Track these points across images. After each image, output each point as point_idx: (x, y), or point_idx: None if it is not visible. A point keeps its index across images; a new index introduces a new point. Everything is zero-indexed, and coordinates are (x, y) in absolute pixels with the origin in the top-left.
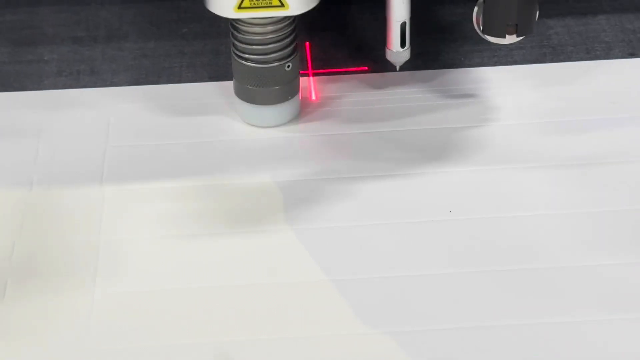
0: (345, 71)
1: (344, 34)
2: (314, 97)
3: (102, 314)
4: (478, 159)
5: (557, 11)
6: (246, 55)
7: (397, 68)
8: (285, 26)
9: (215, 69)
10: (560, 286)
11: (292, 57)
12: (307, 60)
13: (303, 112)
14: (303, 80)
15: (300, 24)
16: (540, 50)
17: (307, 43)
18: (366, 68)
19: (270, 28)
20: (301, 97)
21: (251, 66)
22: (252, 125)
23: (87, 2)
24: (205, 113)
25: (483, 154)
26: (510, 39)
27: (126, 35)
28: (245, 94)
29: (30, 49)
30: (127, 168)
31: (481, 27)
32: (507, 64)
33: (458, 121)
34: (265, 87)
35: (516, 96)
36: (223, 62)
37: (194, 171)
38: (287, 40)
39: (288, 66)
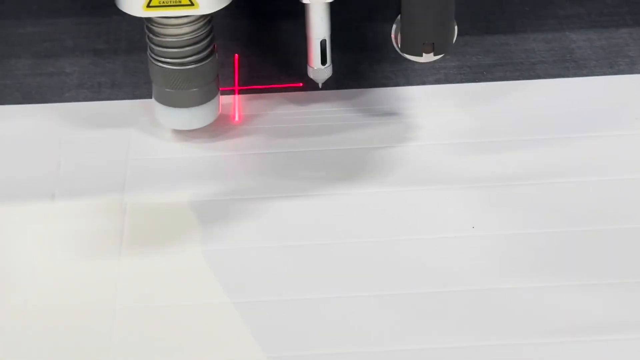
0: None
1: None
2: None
3: (123, 325)
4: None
5: (580, 25)
6: (162, 58)
7: (320, 85)
8: (200, 27)
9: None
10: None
11: (210, 59)
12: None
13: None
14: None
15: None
16: (562, 65)
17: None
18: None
19: (185, 29)
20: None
21: (167, 68)
22: (171, 128)
23: (108, 14)
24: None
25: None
26: (427, 58)
27: (147, 48)
28: (163, 97)
29: (51, 62)
30: (149, 181)
31: (399, 45)
32: (529, 79)
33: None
34: (182, 90)
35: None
36: None
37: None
38: (204, 42)
39: (206, 68)
